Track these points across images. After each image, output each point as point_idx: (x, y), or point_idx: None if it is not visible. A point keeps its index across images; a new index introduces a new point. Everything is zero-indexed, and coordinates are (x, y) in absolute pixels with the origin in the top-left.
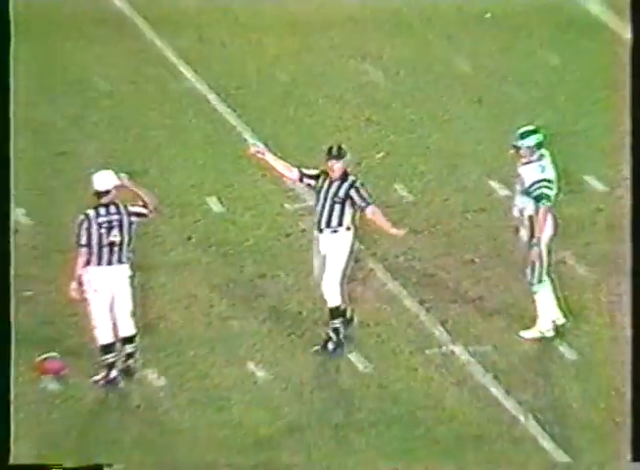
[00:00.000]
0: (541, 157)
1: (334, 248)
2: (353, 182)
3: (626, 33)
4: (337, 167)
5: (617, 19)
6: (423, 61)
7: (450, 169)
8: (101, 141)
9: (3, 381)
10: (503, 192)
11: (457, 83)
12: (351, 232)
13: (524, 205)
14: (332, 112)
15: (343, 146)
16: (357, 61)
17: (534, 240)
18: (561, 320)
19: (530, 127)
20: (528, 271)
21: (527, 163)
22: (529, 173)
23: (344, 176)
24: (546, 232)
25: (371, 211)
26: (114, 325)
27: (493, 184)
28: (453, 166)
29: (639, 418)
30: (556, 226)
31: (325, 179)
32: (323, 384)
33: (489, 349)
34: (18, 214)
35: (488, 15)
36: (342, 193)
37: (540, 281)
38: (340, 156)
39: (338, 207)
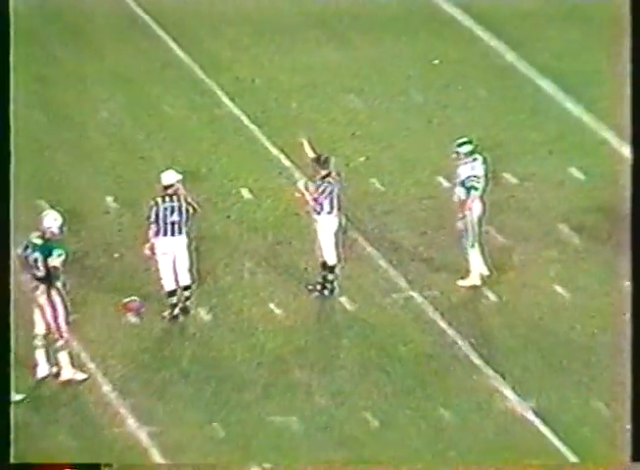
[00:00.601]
0: (474, 160)
1: (321, 226)
2: (326, 184)
3: (532, 74)
4: (318, 171)
5: (524, 63)
6: (391, 93)
7: (410, 169)
8: (167, 149)
9: (3, 381)
10: (447, 184)
11: (414, 109)
12: (333, 215)
13: (460, 193)
14: (328, 128)
15: (327, 155)
16: (345, 93)
17: (463, 217)
18: (486, 273)
19: (465, 139)
20: (464, 240)
21: (464, 164)
22: (464, 171)
23: (324, 178)
24: (476, 212)
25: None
26: (176, 277)
27: (440, 179)
28: (412, 166)
29: (639, 418)
30: (484, 208)
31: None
32: (322, 318)
33: (437, 293)
34: (108, 201)
35: (436, 61)
36: (320, 190)
37: (472, 246)
38: (318, 162)
39: (315, 200)
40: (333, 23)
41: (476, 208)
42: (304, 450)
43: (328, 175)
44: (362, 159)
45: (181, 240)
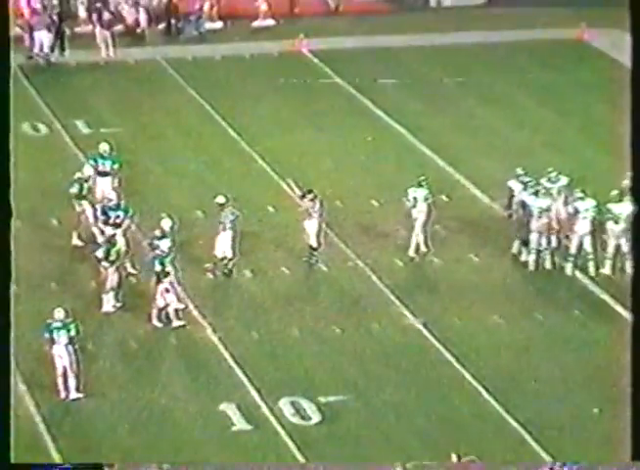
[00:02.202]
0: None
1: (310, 225)
2: (312, 204)
3: (421, 146)
4: (304, 199)
5: (416, 140)
6: (347, 157)
7: (357, 196)
8: (228, 186)
9: (3, 382)
10: (376, 204)
11: (359, 166)
12: (316, 220)
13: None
14: (314, 175)
15: (312, 189)
16: (322, 156)
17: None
18: (424, 250)
19: (422, 178)
20: (415, 229)
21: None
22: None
23: (311, 200)
24: (421, 218)
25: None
26: (232, 253)
27: (373, 202)
28: (358, 195)
29: (639, 418)
30: (428, 216)
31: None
32: (310, 275)
33: (371, 261)
34: (198, 213)
35: (369, 138)
36: (309, 206)
37: (416, 235)
38: (309, 192)
39: (306, 212)
40: (318, 118)
41: (420, 215)
42: (301, 345)
43: (314, 198)
44: (330, 190)
45: (230, 234)
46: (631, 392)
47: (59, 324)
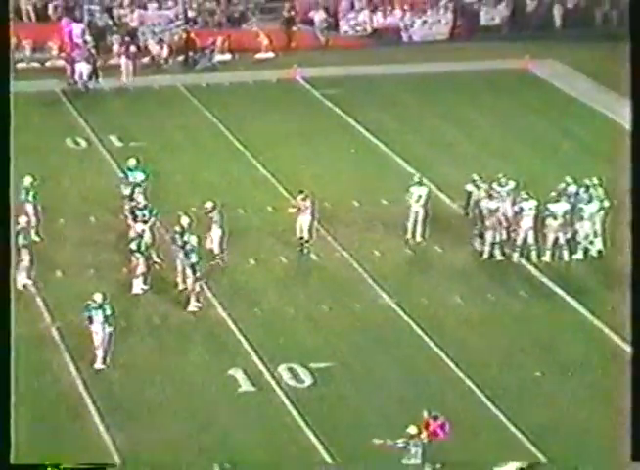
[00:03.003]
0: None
1: (303, 221)
2: (303, 203)
3: (394, 156)
4: (299, 198)
5: (390, 151)
6: (332, 166)
7: (343, 198)
8: (234, 193)
9: (3, 382)
10: (357, 204)
11: (345, 174)
12: (308, 216)
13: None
14: (308, 182)
15: (305, 190)
16: (313, 164)
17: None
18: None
19: (417, 179)
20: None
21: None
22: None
23: (303, 200)
24: (420, 213)
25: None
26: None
27: (355, 202)
28: (344, 196)
29: (639, 418)
30: (425, 213)
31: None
32: (302, 263)
33: (354, 252)
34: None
35: (352, 151)
36: (302, 205)
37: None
38: (301, 193)
39: (300, 210)
40: (309, 134)
41: (421, 209)
42: (296, 321)
43: (306, 198)
44: (320, 193)
45: (219, 232)
46: (631, 392)
47: (96, 305)
